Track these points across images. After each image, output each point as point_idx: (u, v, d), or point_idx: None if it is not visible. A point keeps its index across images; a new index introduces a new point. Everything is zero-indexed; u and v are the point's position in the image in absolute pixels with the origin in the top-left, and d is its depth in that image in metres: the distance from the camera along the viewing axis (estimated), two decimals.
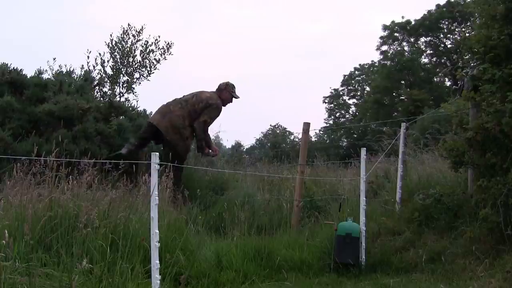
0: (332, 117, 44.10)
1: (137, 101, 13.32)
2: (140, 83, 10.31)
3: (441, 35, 35.96)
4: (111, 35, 10.13)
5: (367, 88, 41.55)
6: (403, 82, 36.18)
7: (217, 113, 6.98)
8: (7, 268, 3.04)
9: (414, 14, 65.79)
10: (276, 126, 40.11)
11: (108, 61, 10.10)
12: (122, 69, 10.19)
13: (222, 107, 7.03)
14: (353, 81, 44.00)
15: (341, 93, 44.14)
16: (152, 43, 10.30)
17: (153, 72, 10.36)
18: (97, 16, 68.18)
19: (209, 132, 7.21)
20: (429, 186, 5.67)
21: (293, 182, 6.99)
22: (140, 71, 10.32)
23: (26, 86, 7.71)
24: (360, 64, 43.46)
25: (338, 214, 5.70)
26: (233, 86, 7.15)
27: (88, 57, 9.81)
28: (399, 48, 36.82)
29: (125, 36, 10.24)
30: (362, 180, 5.28)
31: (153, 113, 7.33)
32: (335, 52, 68.39)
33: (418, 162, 6.90)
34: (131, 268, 3.66)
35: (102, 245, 3.74)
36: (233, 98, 7.18)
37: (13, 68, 7.92)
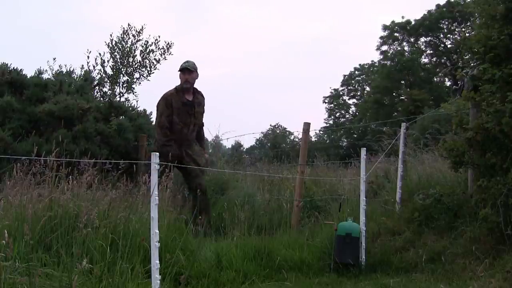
0: (332, 117, 44.19)
1: (137, 101, 13.35)
2: (140, 83, 10.35)
3: (441, 35, 36.02)
4: (111, 35, 10.18)
5: (367, 88, 41.62)
6: (403, 82, 36.25)
7: (158, 107, 6.38)
8: (7, 268, 3.04)
9: (414, 14, 65.99)
10: (276, 126, 40.12)
11: (108, 61, 10.13)
12: (122, 69, 10.21)
13: (184, 86, 6.34)
14: (353, 81, 44.07)
15: (341, 93, 44.22)
16: (152, 43, 10.34)
17: (153, 72, 10.40)
18: (97, 16, 68.21)
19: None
20: (429, 186, 5.66)
21: (293, 182, 6.97)
22: (140, 71, 10.34)
23: (26, 86, 7.71)
24: (360, 64, 43.59)
25: (338, 214, 5.70)
26: (180, 66, 6.47)
27: (88, 57, 9.84)
28: (399, 48, 36.89)
29: (125, 36, 10.27)
30: (362, 180, 5.27)
31: None
32: (335, 52, 68.54)
33: (418, 162, 6.89)
34: (131, 268, 3.66)
35: (102, 245, 3.74)
36: (186, 72, 6.38)
37: (13, 68, 7.93)
